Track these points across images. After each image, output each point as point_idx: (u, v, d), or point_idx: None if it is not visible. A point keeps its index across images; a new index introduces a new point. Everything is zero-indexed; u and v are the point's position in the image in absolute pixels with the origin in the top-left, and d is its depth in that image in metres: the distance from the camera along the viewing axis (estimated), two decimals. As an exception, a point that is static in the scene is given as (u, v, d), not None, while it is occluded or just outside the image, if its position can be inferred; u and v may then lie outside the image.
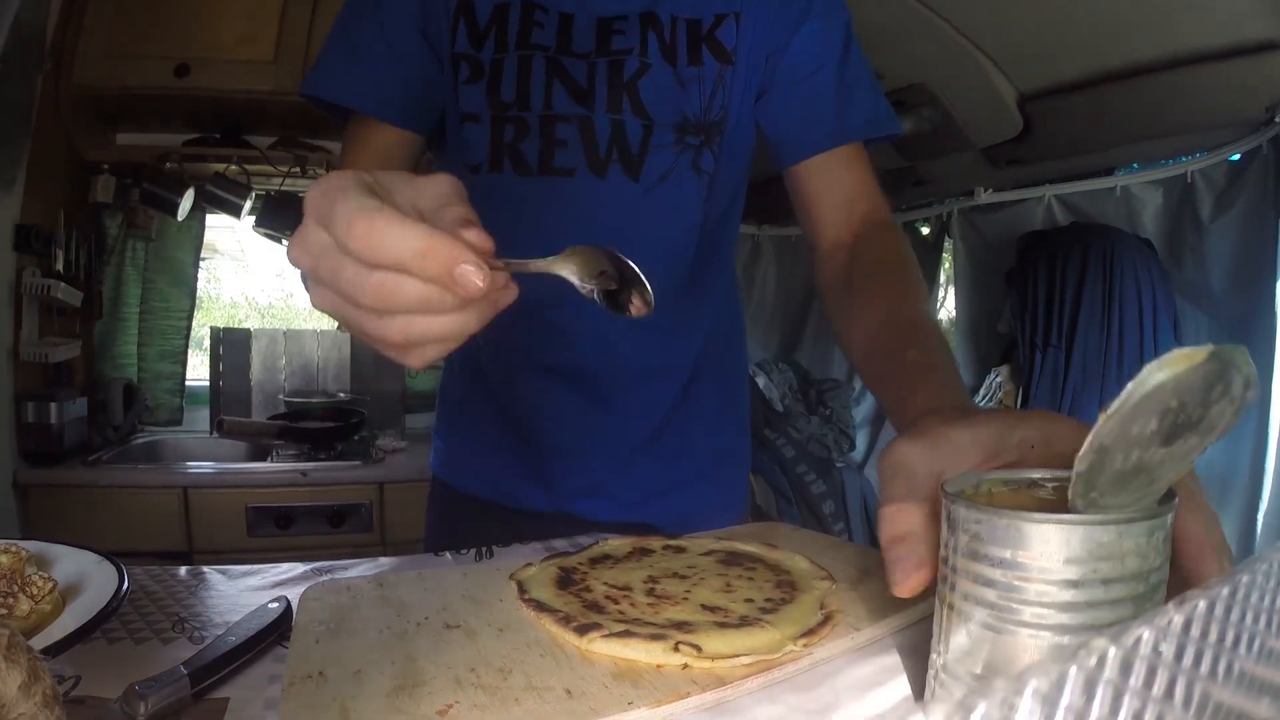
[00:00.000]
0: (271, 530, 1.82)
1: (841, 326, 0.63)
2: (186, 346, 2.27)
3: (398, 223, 0.28)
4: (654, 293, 0.37)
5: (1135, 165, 2.00)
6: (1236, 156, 1.69)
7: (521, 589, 0.47)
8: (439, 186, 0.32)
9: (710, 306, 0.77)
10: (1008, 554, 0.29)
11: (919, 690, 0.37)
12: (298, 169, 2.07)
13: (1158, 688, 0.18)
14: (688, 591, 0.46)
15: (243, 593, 0.52)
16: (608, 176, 0.66)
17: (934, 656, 0.33)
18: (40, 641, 0.39)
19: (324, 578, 0.52)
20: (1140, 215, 1.90)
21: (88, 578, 0.48)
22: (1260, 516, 1.52)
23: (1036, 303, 1.94)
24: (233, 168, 2.07)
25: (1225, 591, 0.21)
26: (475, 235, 0.31)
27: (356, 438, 2.09)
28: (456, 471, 0.81)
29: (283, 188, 2.11)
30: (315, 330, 2.40)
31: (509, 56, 0.66)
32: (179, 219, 2.07)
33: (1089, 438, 0.26)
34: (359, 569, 0.57)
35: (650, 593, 0.46)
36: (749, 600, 0.45)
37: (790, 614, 0.42)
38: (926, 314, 0.58)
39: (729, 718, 0.35)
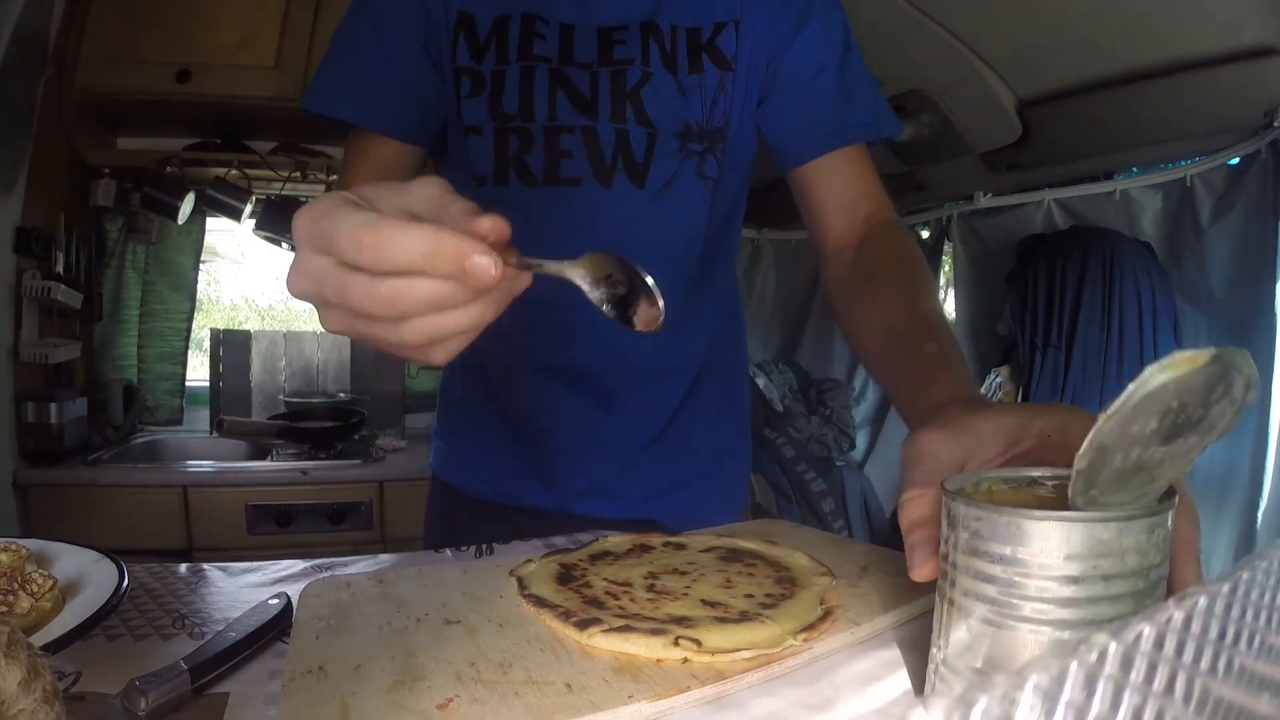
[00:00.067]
0: (271, 528, 1.82)
1: (852, 323, 0.63)
2: (186, 348, 2.27)
3: (401, 227, 0.28)
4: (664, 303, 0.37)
5: (1134, 169, 2.00)
6: (1235, 161, 1.69)
7: (522, 585, 0.47)
8: (429, 189, 0.33)
9: (713, 308, 0.77)
10: (1008, 550, 0.29)
11: (919, 685, 0.37)
12: (298, 173, 2.08)
13: (1158, 683, 0.18)
14: (688, 587, 0.46)
15: (243, 589, 0.52)
16: (613, 185, 0.67)
17: (934, 651, 0.33)
18: (40, 638, 0.39)
19: (324, 574, 0.52)
20: (1140, 219, 1.90)
21: (88, 575, 0.48)
22: (1260, 516, 1.52)
23: (1036, 304, 1.94)
24: (233, 172, 2.07)
25: (1226, 588, 0.21)
26: (488, 222, 0.31)
27: (356, 437, 2.09)
28: (457, 471, 0.81)
29: (283, 192, 2.12)
30: (315, 332, 2.39)
31: (510, 68, 0.66)
32: (179, 223, 2.08)
33: (1089, 436, 0.27)
34: (359, 566, 0.57)
35: (650, 588, 0.46)
36: (749, 596, 0.45)
37: (790, 609, 0.42)
38: (940, 310, 0.59)
39: (729, 712, 0.35)
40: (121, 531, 1.73)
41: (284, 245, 2.12)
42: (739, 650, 0.38)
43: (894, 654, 0.41)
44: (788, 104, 0.69)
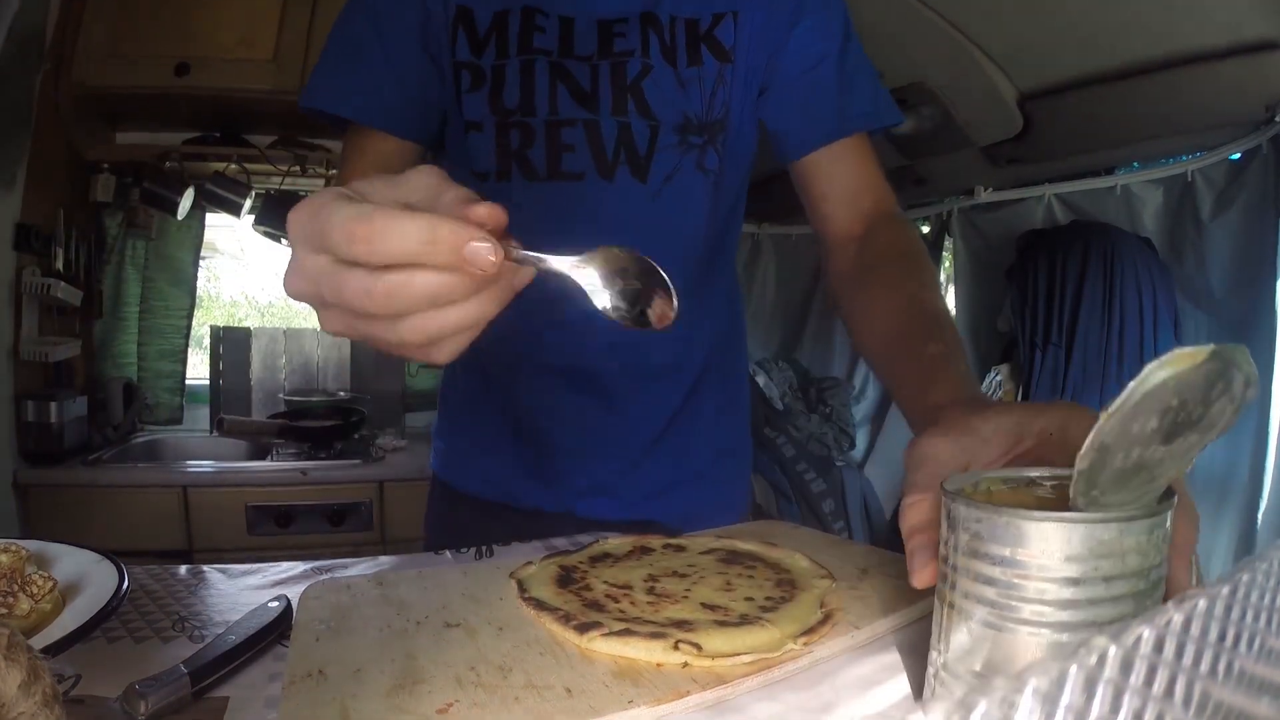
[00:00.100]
0: (271, 529, 1.82)
1: (854, 317, 0.63)
2: (186, 345, 2.27)
3: (396, 217, 0.28)
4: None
5: (1135, 164, 2.00)
6: (1236, 155, 1.69)
7: (521, 587, 0.47)
8: (424, 178, 0.32)
9: (715, 306, 0.77)
10: (1007, 552, 0.29)
11: (919, 688, 0.37)
12: (297, 168, 2.07)
13: (1158, 686, 0.18)
14: (688, 590, 0.46)
15: (243, 591, 0.52)
16: (615, 179, 0.66)
17: (934, 655, 0.33)
18: (40, 640, 0.39)
19: (324, 576, 0.52)
20: (1140, 214, 1.90)
21: (88, 577, 0.48)
22: (1260, 516, 1.52)
23: (1036, 300, 1.94)
24: (232, 167, 2.06)
25: (1225, 590, 0.21)
26: (484, 210, 0.30)
27: (356, 437, 2.09)
28: (457, 471, 0.81)
29: (282, 186, 2.11)
30: (315, 329, 2.39)
31: (510, 62, 0.66)
32: (179, 218, 2.07)
33: (1090, 436, 0.27)
34: (359, 568, 0.57)
35: (650, 591, 0.46)
36: (749, 599, 0.45)
37: (790, 612, 0.42)
38: (942, 305, 0.59)
39: (729, 716, 0.35)
40: (121, 532, 1.73)
41: (283, 241, 2.12)
42: (739, 654, 0.37)
43: (894, 658, 0.41)
44: (787, 95, 0.69)
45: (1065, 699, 0.16)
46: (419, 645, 0.39)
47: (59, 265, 1.85)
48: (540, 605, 0.43)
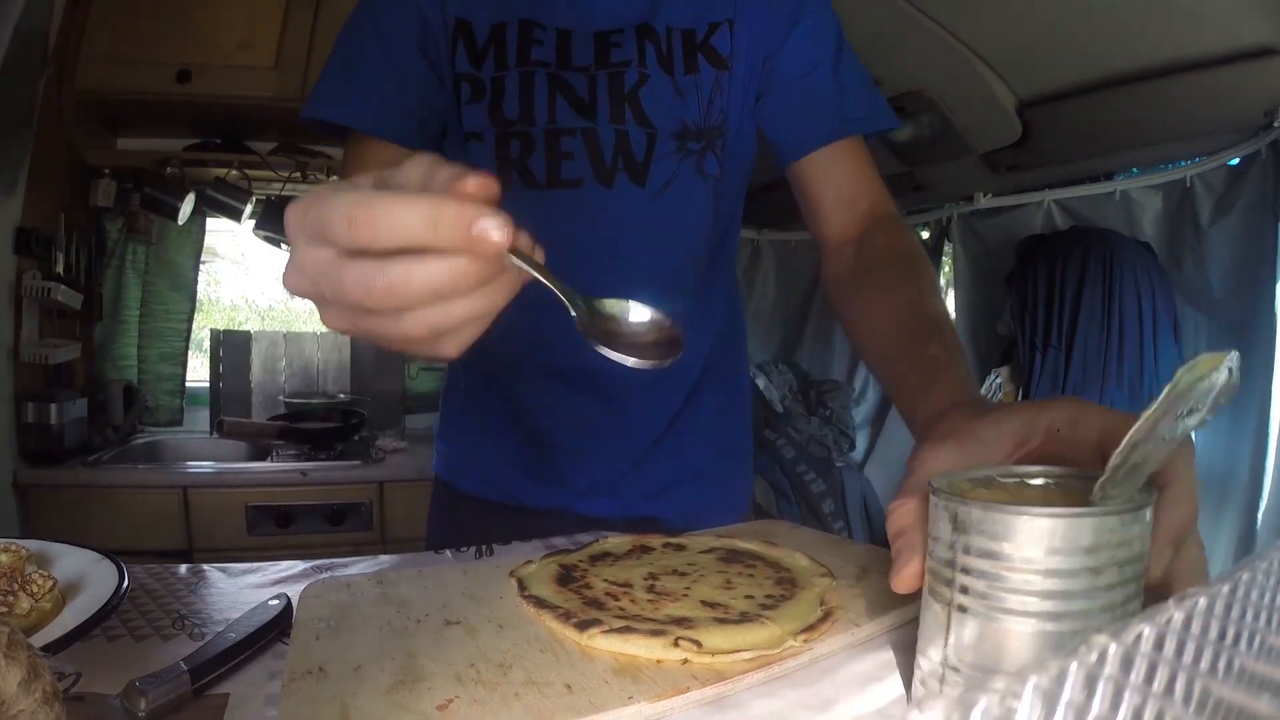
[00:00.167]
0: (271, 529, 1.82)
1: (852, 321, 0.63)
2: (187, 348, 2.27)
3: (396, 199, 0.27)
4: (668, 303, 0.37)
5: (1134, 170, 2.00)
6: (1235, 161, 1.69)
7: (521, 586, 0.47)
8: (419, 166, 0.30)
9: (716, 309, 0.78)
10: (992, 546, 0.29)
11: (910, 685, 0.37)
12: (298, 174, 2.08)
13: (1158, 684, 0.18)
14: (688, 588, 0.46)
15: (243, 590, 0.52)
16: (614, 186, 0.67)
17: (920, 653, 0.33)
18: (40, 639, 0.39)
19: (324, 575, 0.52)
20: (1140, 219, 1.90)
21: (88, 576, 0.48)
22: (1260, 516, 1.52)
23: (1036, 304, 1.94)
24: (233, 172, 2.07)
25: (1225, 588, 0.21)
26: (473, 184, 0.28)
27: (356, 438, 2.09)
28: (459, 472, 0.81)
29: (283, 192, 2.12)
30: (315, 333, 2.40)
31: (510, 74, 0.66)
32: (179, 223, 2.08)
33: (1128, 435, 0.27)
34: (359, 566, 0.57)
35: (650, 589, 0.46)
36: (749, 597, 0.45)
37: (790, 610, 0.42)
38: (943, 309, 0.59)
39: (729, 713, 0.35)
40: (121, 532, 1.73)
41: (284, 246, 2.12)
42: (739, 651, 0.37)
43: (893, 655, 0.41)
44: (784, 99, 0.69)
45: (1066, 696, 0.17)
46: (419, 643, 0.39)
47: (59, 269, 1.85)
48: (540, 603, 0.43)
